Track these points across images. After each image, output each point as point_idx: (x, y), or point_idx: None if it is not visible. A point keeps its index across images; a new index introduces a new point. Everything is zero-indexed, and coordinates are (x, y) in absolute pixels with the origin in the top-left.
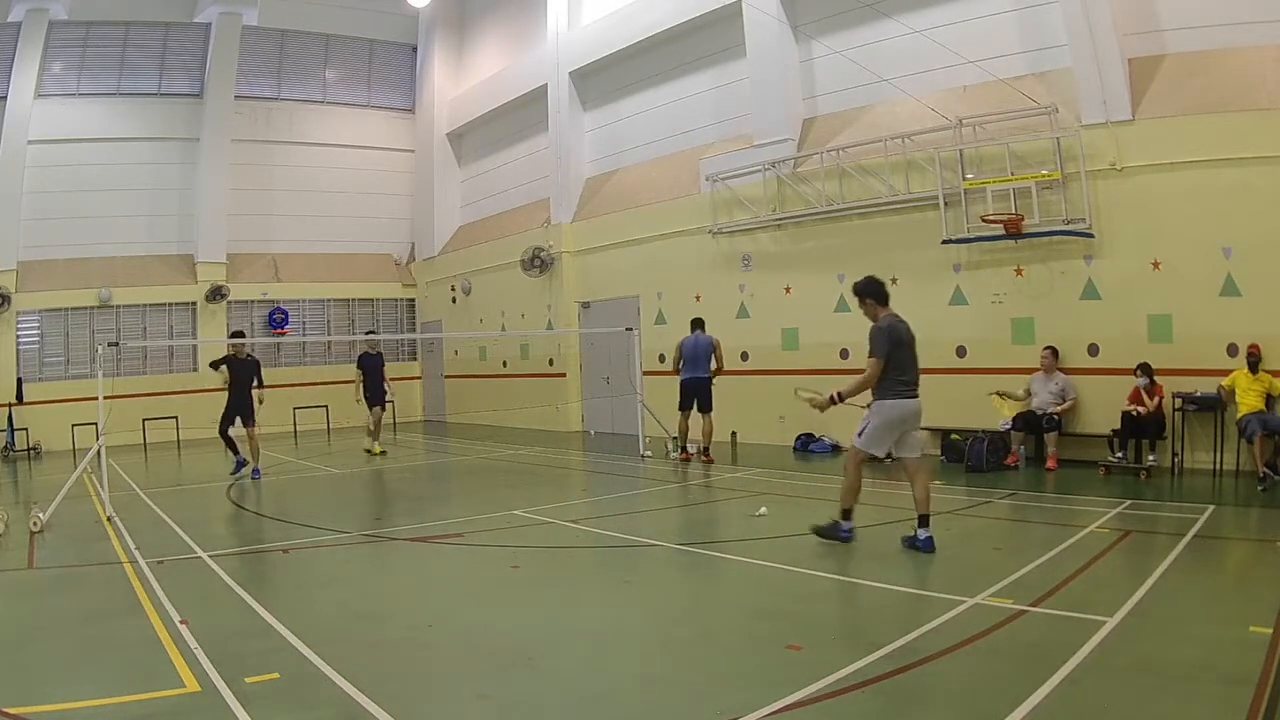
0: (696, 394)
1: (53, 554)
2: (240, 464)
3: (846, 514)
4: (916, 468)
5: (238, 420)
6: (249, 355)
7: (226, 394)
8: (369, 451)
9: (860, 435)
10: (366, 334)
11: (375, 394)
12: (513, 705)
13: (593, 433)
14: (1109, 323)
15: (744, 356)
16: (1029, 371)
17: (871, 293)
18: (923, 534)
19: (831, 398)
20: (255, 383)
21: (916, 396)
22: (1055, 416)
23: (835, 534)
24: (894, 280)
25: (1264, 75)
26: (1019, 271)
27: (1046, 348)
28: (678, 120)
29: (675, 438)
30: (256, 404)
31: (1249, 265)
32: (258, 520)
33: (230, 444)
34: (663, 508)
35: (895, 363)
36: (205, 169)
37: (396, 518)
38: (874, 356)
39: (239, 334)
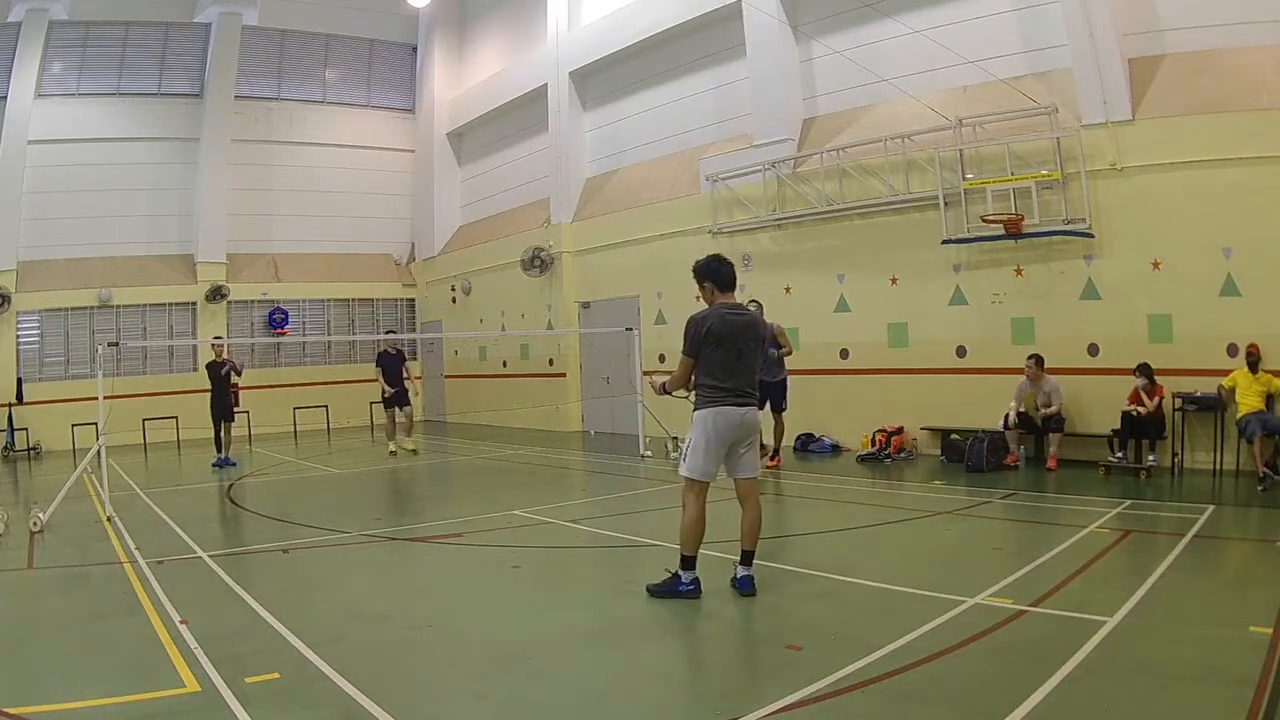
0: (772, 393)
1: (53, 554)
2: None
3: (687, 562)
4: (749, 491)
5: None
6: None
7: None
8: (393, 453)
9: (683, 460)
10: (386, 333)
11: (395, 395)
12: (512, 705)
13: (593, 433)
14: (1109, 323)
15: None
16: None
17: (711, 275)
18: (742, 571)
19: (661, 386)
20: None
21: (746, 404)
22: (1047, 419)
23: (674, 589)
24: (894, 280)
25: (1264, 75)
26: (1019, 271)
27: (1030, 356)
28: (678, 120)
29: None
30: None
31: (1249, 265)
32: (258, 520)
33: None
34: (663, 508)
35: (710, 364)
36: (205, 169)
37: (396, 518)
38: (681, 353)
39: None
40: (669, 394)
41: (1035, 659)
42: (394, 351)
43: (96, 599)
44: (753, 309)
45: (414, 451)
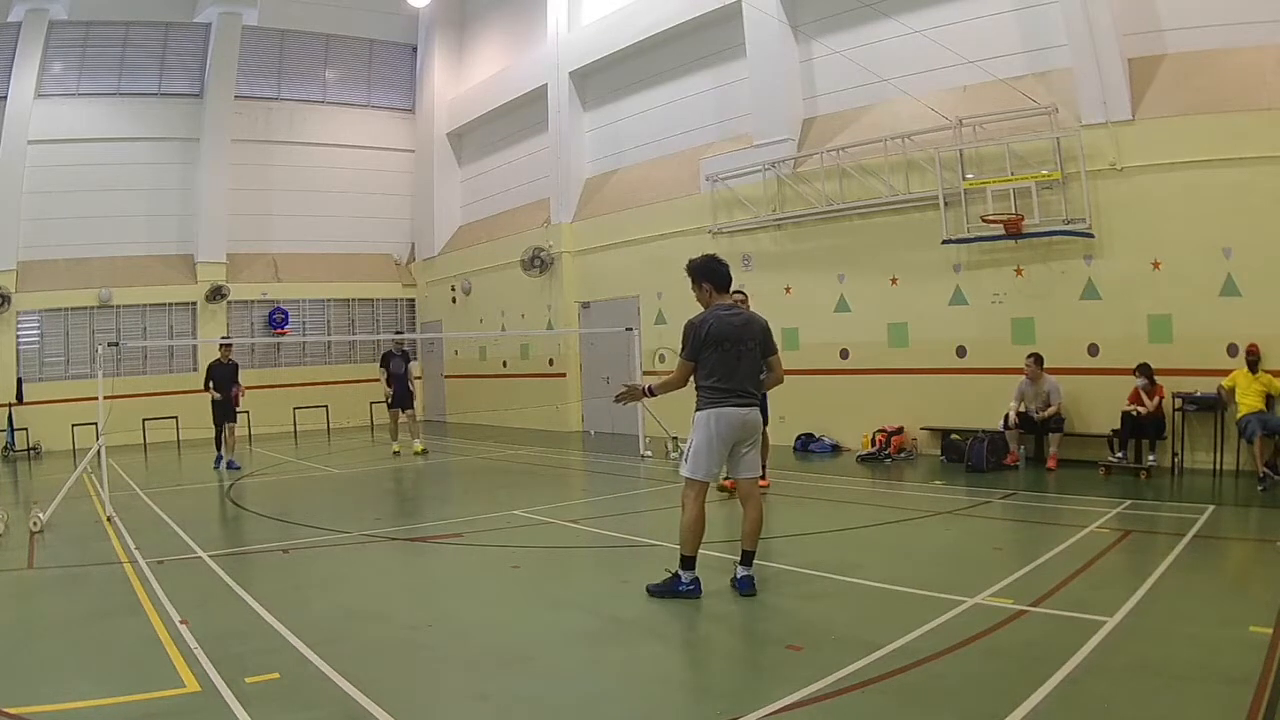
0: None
1: (53, 554)
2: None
3: (687, 562)
4: (750, 491)
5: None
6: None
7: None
8: (397, 453)
9: (684, 461)
10: (396, 332)
11: (400, 395)
12: (513, 705)
13: (593, 433)
14: (1109, 323)
15: None
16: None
17: (709, 275)
18: (742, 572)
19: (645, 389)
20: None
21: (747, 405)
22: (1047, 420)
23: (674, 589)
24: (894, 280)
25: (1264, 75)
26: (1019, 271)
27: (1030, 355)
28: (678, 120)
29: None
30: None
31: (1249, 265)
32: (258, 520)
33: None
34: (663, 508)
35: (710, 366)
36: (205, 169)
37: (396, 518)
38: (680, 357)
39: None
40: (654, 395)
41: (1035, 659)
42: (398, 352)
43: (96, 599)
44: (738, 298)
45: (424, 452)
